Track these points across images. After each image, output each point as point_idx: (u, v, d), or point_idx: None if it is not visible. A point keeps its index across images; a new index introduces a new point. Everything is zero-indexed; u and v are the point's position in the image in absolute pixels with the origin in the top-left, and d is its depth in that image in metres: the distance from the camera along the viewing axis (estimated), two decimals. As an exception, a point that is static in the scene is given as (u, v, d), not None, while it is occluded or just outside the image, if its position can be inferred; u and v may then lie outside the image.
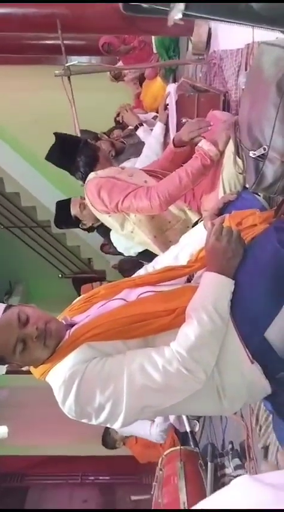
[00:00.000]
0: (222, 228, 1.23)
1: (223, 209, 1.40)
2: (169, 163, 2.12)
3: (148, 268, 1.53)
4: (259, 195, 1.50)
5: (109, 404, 1.12)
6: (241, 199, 1.39)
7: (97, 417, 1.15)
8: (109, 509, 6.54)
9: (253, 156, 1.32)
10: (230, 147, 1.72)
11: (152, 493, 2.61)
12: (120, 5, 0.64)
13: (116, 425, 1.17)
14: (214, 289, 1.18)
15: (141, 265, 1.78)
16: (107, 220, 2.09)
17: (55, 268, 7.90)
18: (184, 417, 3.17)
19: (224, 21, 0.61)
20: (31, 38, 4.55)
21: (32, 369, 1.28)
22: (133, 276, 1.53)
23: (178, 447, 2.76)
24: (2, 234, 7.56)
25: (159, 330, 1.18)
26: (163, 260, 1.50)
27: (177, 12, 0.51)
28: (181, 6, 0.50)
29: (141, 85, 5.04)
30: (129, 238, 2.11)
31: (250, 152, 1.33)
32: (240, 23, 0.61)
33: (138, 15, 0.64)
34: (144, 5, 0.60)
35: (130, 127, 3.85)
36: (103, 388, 1.12)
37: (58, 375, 1.17)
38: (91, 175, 2.08)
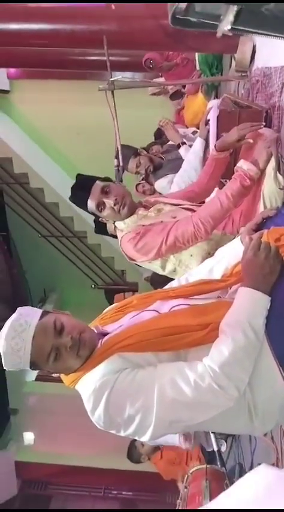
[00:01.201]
0: (260, 243, 1.21)
1: (262, 225, 1.38)
2: (209, 179, 2.11)
3: (181, 280, 1.52)
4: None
5: (139, 417, 1.11)
6: (280, 216, 1.37)
7: (126, 429, 1.15)
8: (108, 509, 6.46)
9: (295, 172, 1.30)
10: (272, 164, 1.71)
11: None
12: (169, 19, 0.66)
13: (144, 438, 1.16)
14: (249, 305, 1.16)
15: (173, 279, 1.77)
16: (148, 264, 2.06)
17: (89, 278, 7.99)
18: (211, 436, 3.11)
19: (273, 35, 0.61)
20: (77, 53, 4.68)
21: (62, 375, 1.29)
22: (166, 287, 1.53)
23: (204, 465, 2.71)
24: (39, 243, 7.72)
25: (192, 345, 1.17)
26: (198, 273, 1.48)
27: (226, 25, 0.52)
28: (230, 18, 0.51)
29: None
30: (172, 276, 2.08)
31: (292, 168, 1.31)
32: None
33: (187, 29, 0.65)
34: (193, 19, 0.62)
35: (170, 142, 3.88)
36: (134, 399, 1.12)
37: (88, 384, 1.17)
38: (121, 227, 2.03)
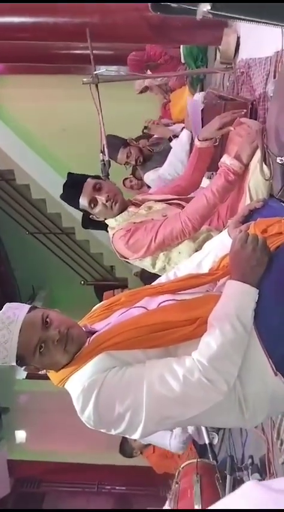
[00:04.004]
0: (247, 235, 1.20)
1: (249, 217, 1.37)
2: (194, 170, 2.11)
3: (169, 275, 1.51)
4: (286, 203, 1.47)
5: (129, 415, 1.10)
6: (267, 207, 1.36)
7: (116, 427, 1.13)
8: (107, 509, 6.49)
9: (280, 162, 1.30)
10: (257, 157, 1.70)
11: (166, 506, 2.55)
12: (149, 4, 0.63)
13: (135, 436, 1.15)
14: (237, 297, 1.15)
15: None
16: (139, 262, 2.08)
17: (78, 274, 7.95)
18: (203, 429, 3.11)
19: (253, 20, 0.59)
20: (61, 47, 4.63)
21: (50, 375, 1.27)
22: (154, 283, 1.51)
23: (195, 459, 2.70)
24: (27, 240, 7.67)
25: (180, 340, 1.16)
26: (186, 267, 1.47)
27: (205, 6, 0.50)
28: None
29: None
30: (161, 273, 2.10)
31: (278, 158, 1.31)
32: (268, 22, 0.60)
33: (167, 15, 0.63)
34: (173, 4, 0.60)
35: (156, 136, 3.87)
36: (123, 398, 1.10)
37: (77, 384, 1.16)
38: (112, 224, 2.04)
